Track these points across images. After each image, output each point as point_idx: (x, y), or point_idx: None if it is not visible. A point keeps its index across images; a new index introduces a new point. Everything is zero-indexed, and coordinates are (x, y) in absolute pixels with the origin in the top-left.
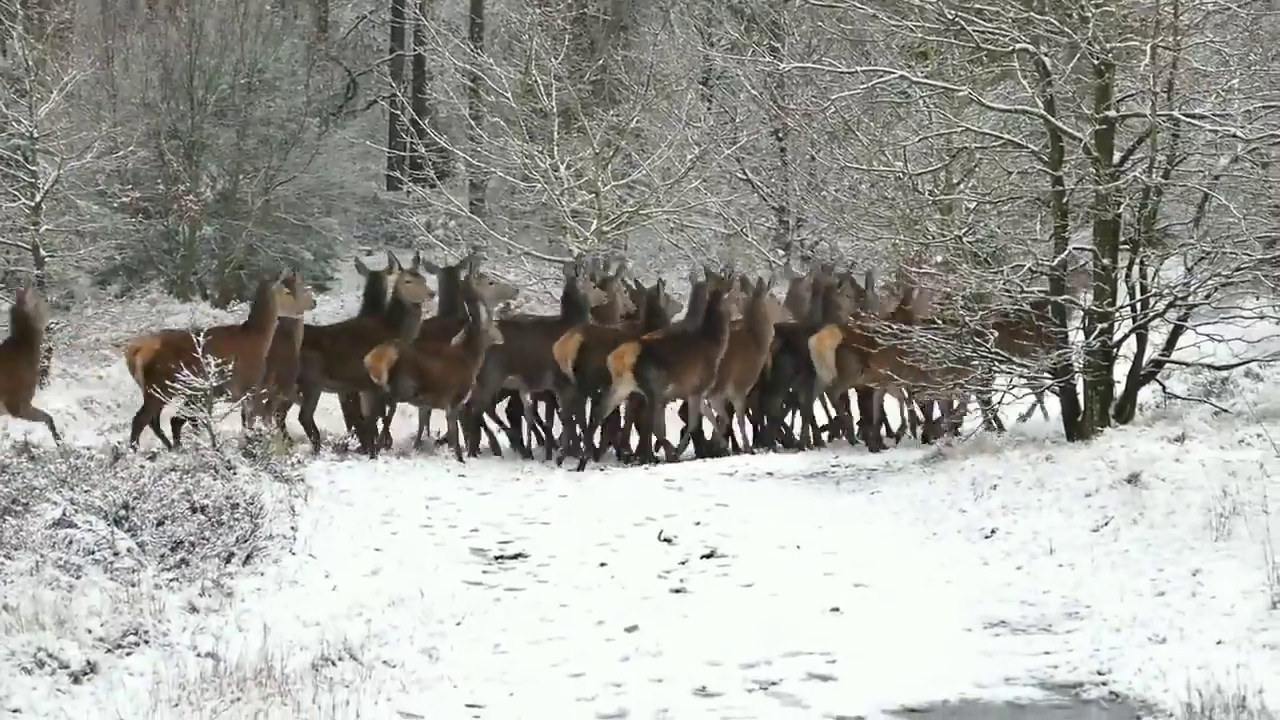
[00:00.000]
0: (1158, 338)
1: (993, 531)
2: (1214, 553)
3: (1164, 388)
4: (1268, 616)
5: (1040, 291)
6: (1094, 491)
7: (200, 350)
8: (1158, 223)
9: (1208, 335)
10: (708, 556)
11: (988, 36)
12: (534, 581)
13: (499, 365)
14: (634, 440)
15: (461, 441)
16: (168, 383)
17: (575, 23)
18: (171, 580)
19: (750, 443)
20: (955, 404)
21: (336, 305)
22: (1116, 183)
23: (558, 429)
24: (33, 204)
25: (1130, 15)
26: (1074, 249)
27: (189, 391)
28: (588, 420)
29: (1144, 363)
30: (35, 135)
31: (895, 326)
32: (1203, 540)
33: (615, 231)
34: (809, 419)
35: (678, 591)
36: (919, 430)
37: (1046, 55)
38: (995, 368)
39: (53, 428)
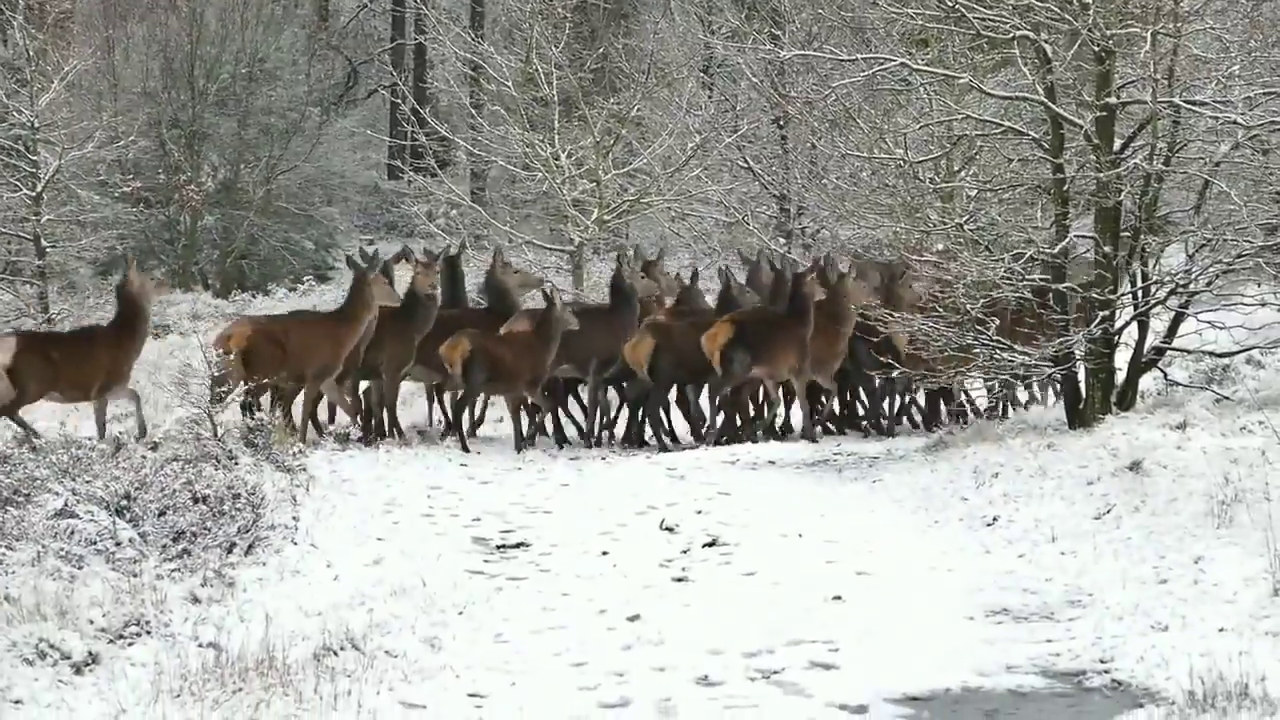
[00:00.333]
0: (1159, 325)
1: (995, 519)
2: (1216, 540)
3: (1165, 375)
4: (1270, 604)
5: (1041, 279)
6: (1096, 479)
7: (291, 338)
8: (1159, 210)
9: (1209, 322)
10: (710, 545)
11: (988, 23)
12: (536, 571)
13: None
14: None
15: (525, 430)
16: (261, 371)
17: (576, 11)
18: (173, 570)
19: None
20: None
21: (338, 294)
22: (1117, 170)
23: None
24: (34, 194)
25: (1131, 2)
26: (1075, 236)
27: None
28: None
29: (1145, 350)
30: (36, 125)
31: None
32: (1204, 528)
33: (616, 220)
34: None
35: (680, 580)
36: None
37: (1047, 42)
38: (997, 356)
39: (139, 408)
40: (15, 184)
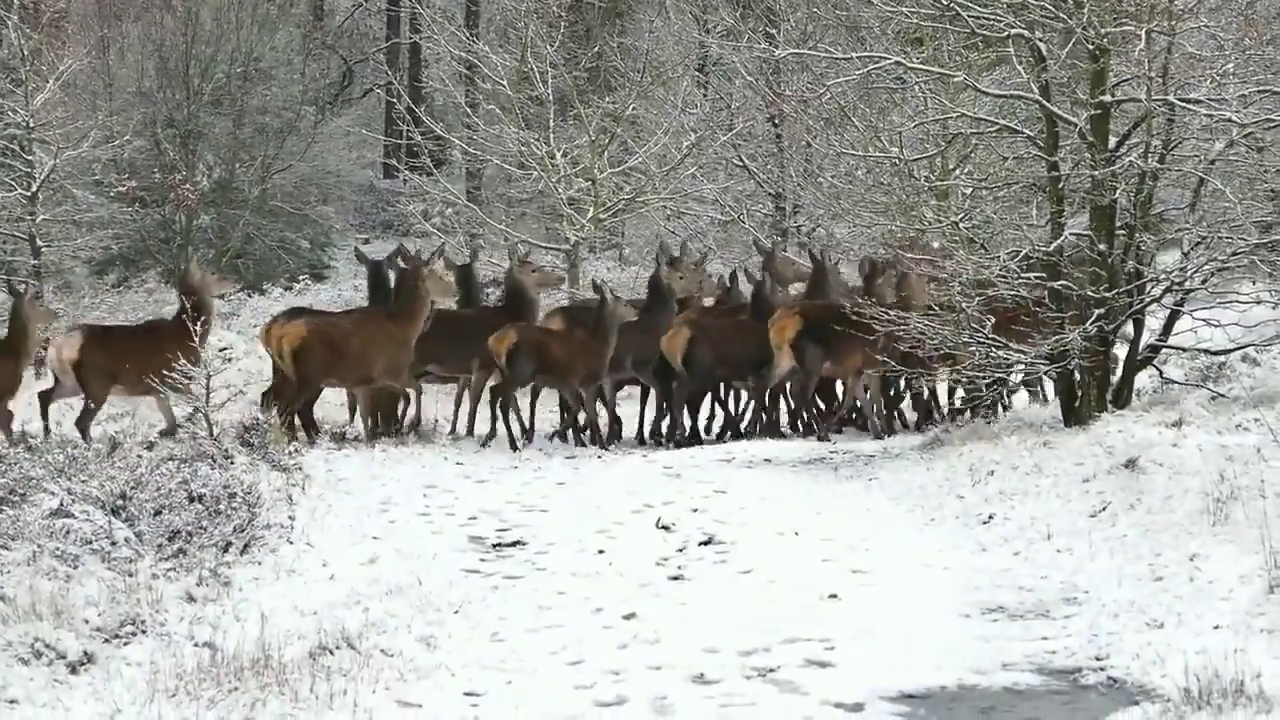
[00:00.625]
0: (1154, 323)
1: (990, 517)
2: (1211, 537)
3: (1161, 373)
4: (1265, 601)
5: (1037, 277)
6: (1091, 477)
7: (347, 335)
8: (1154, 208)
9: (1204, 320)
10: (706, 543)
11: (983, 22)
12: (532, 569)
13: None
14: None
15: (601, 427)
16: (310, 372)
17: (571, 10)
18: (169, 570)
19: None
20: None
21: (334, 294)
22: (1112, 168)
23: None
24: (29, 194)
25: (1125, 0)
26: (1070, 234)
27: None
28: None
29: (1141, 348)
30: (31, 125)
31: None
32: (1200, 525)
33: (612, 219)
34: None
35: (676, 579)
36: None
37: (1042, 40)
38: (992, 354)
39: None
40: (10, 184)
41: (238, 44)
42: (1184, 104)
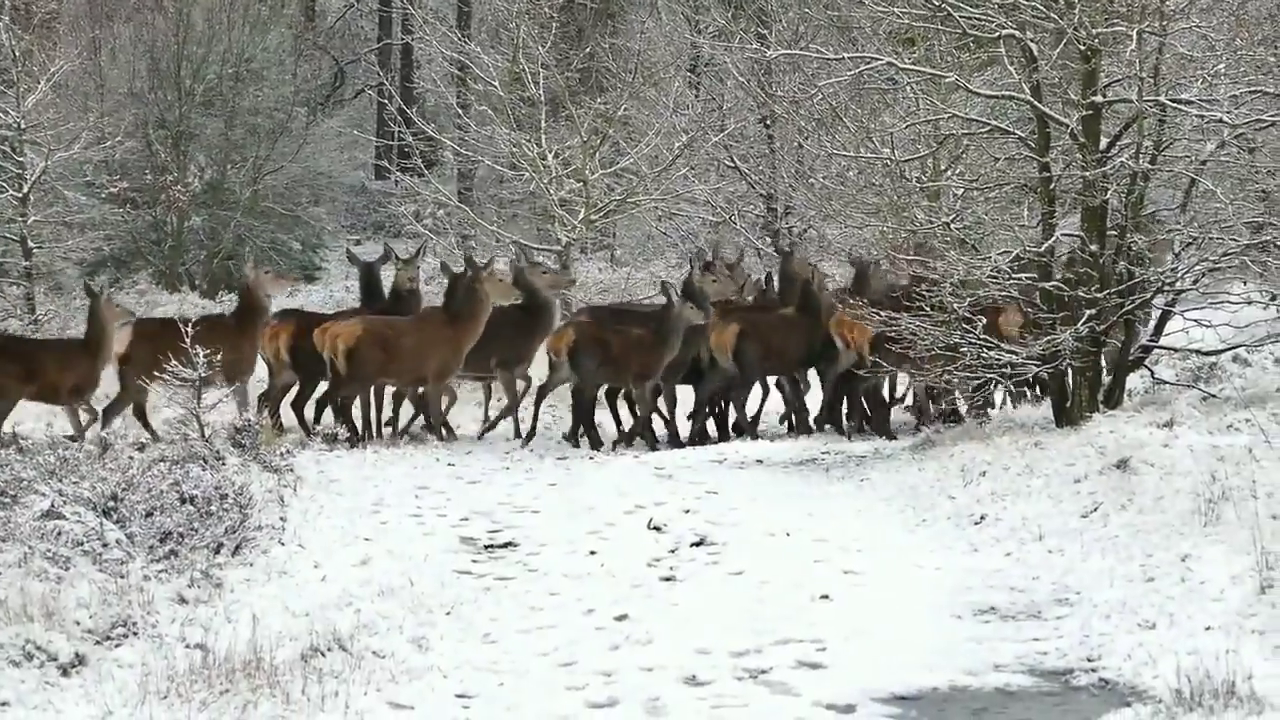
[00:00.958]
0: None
1: (982, 518)
2: (1203, 538)
3: (1152, 373)
4: (1256, 602)
5: (1028, 278)
6: (1083, 477)
7: (401, 335)
8: (1145, 208)
9: (1195, 321)
10: (697, 544)
11: (974, 22)
12: (524, 570)
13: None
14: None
15: (657, 428)
16: (363, 372)
17: (562, 10)
18: (160, 571)
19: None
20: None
21: (325, 295)
22: (1103, 168)
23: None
24: (20, 195)
25: (1116, 1)
26: (1061, 235)
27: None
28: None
29: (1132, 348)
30: (22, 126)
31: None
32: (1191, 526)
33: (603, 220)
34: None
35: (668, 580)
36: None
37: (1033, 41)
38: (983, 354)
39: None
40: (1, 185)
41: (229, 45)
42: (1175, 104)
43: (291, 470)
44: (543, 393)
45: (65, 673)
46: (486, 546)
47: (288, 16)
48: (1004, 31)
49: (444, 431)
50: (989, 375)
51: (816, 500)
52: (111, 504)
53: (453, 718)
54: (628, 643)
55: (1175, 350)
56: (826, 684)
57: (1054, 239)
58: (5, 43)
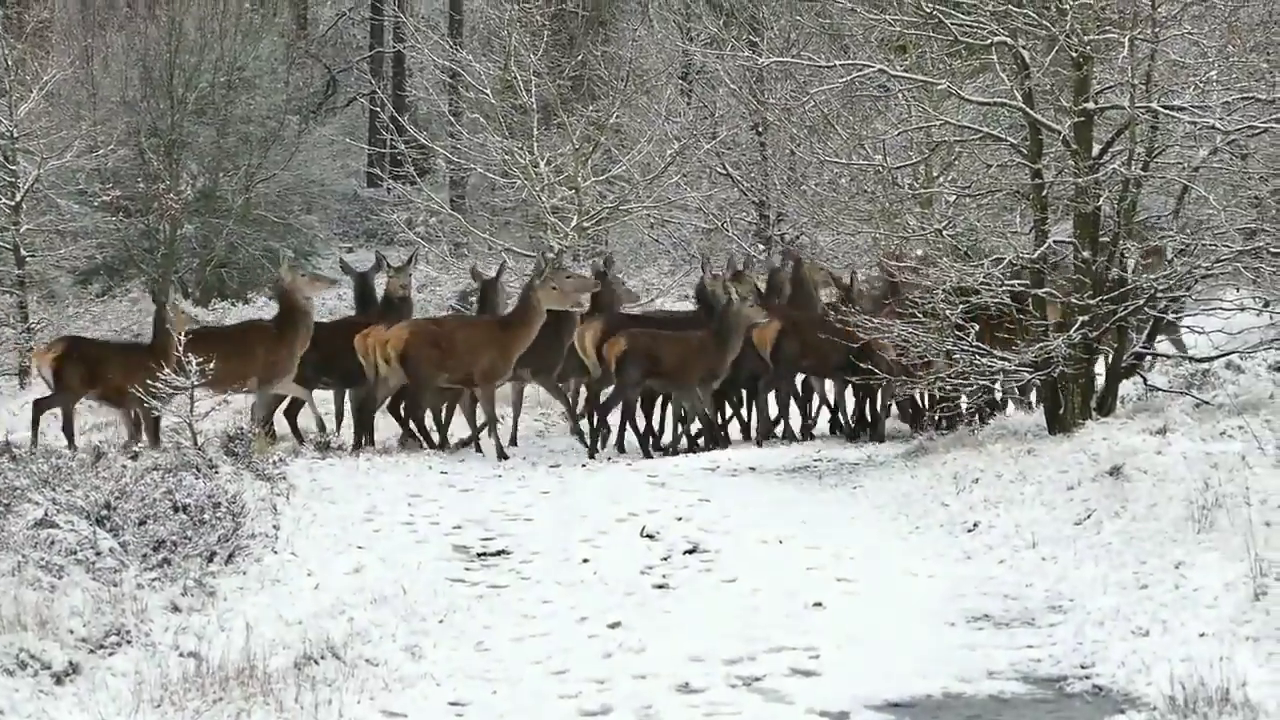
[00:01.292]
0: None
1: (975, 525)
2: (1196, 545)
3: (1145, 380)
4: (1250, 608)
5: (1021, 284)
6: (1076, 484)
7: (450, 332)
8: (1137, 215)
9: (1188, 327)
10: (690, 552)
11: (966, 30)
12: (517, 578)
13: None
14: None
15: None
16: (418, 372)
17: (554, 18)
18: (154, 580)
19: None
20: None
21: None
22: (1096, 175)
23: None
24: (13, 203)
25: (1108, 7)
26: (1054, 241)
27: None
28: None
29: (1125, 355)
30: (15, 134)
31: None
32: (1185, 532)
33: (595, 227)
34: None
35: (660, 587)
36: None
37: (1025, 48)
38: (976, 361)
39: (315, 411)
40: None
41: (221, 53)
42: (1167, 111)
43: (284, 478)
44: (591, 400)
45: (59, 681)
46: (479, 554)
47: (279, 25)
48: (996, 39)
49: (497, 438)
50: (981, 382)
51: (809, 508)
52: (105, 512)
53: None
54: (621, 650)
55: (1168, 357)
56: (820, 691)
57: (1046, 246)
58: None
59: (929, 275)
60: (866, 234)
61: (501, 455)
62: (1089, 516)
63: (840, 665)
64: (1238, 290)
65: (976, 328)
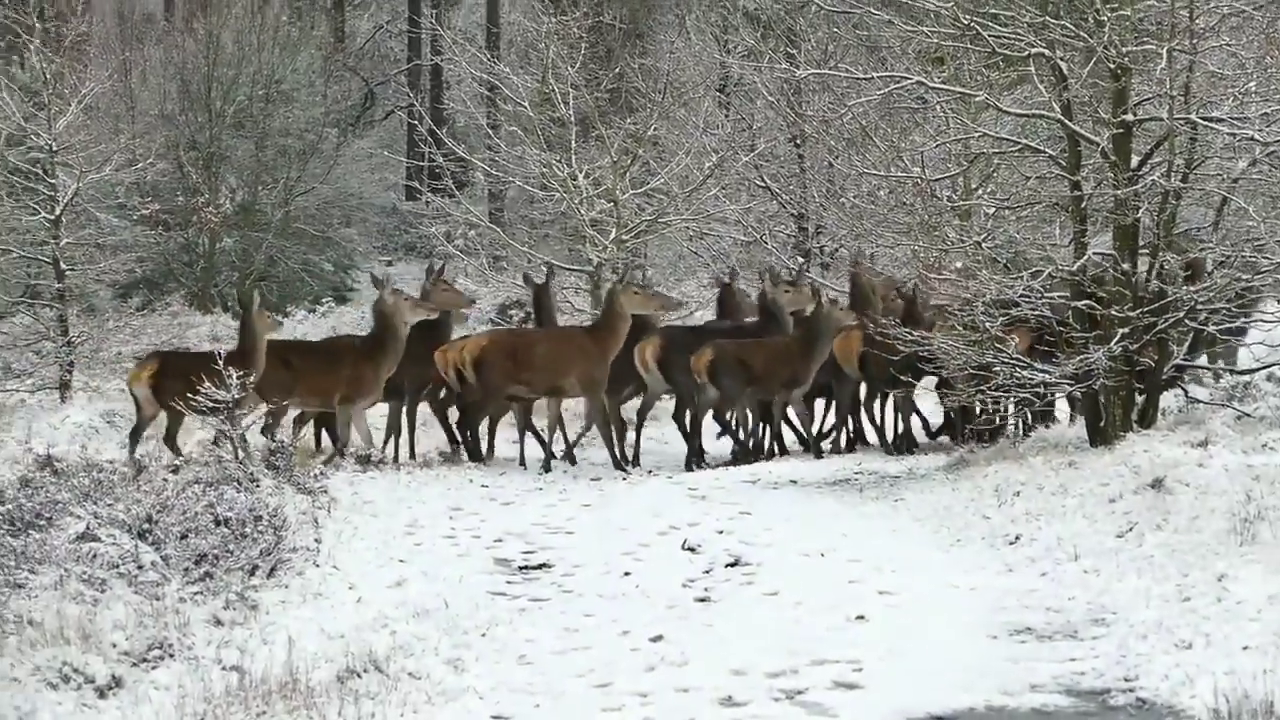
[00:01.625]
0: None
1: (1017, 538)
2: (1239, 558)
3: (1186, 392)
4: None
5: (1060, 297)
6: (1118, 497)
7: (531, 344)
8: (1177, 227)
9: (1229, 340)
10: (732, 565)
11: (1004, 41)
12: (559, 591)
13: (685, 370)
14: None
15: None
16: (494, 382)
17: (591, 31)
18: (196, 593)
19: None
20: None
21: (357, 315)
22: (1135, 187)
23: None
24: (53, 217)
25: (1146, 19)
26: (1093, 254)
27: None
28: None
29: (1166, 368)
30: (54, 148)
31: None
32: (1227, 545)
33: (634, 240)
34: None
35: (702, 600)
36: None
37: (1063, 60)
38: (1016, 374)
39: (369, 442)
40: (34, 207)
41: (259, 66)
42: (1206, 123)
43: (326, 492)
44: (643, 413)
45: (102, 695)
46: (521, 568)
47: (317, 38)
48: (1034, 50)
49: (617, 446)
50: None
51: (851, 520)
52: (146, 526)
53: None
54: (663, 664)
55: (1209, 369)
56: (863, 704)
57: (1086, 258)
58: (36, 65)
59: (969, 288)
60: (905, 246)
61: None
62: (1131, 529)
63: (883, 678)
64: (1279, 302)
65: (1016, 340)
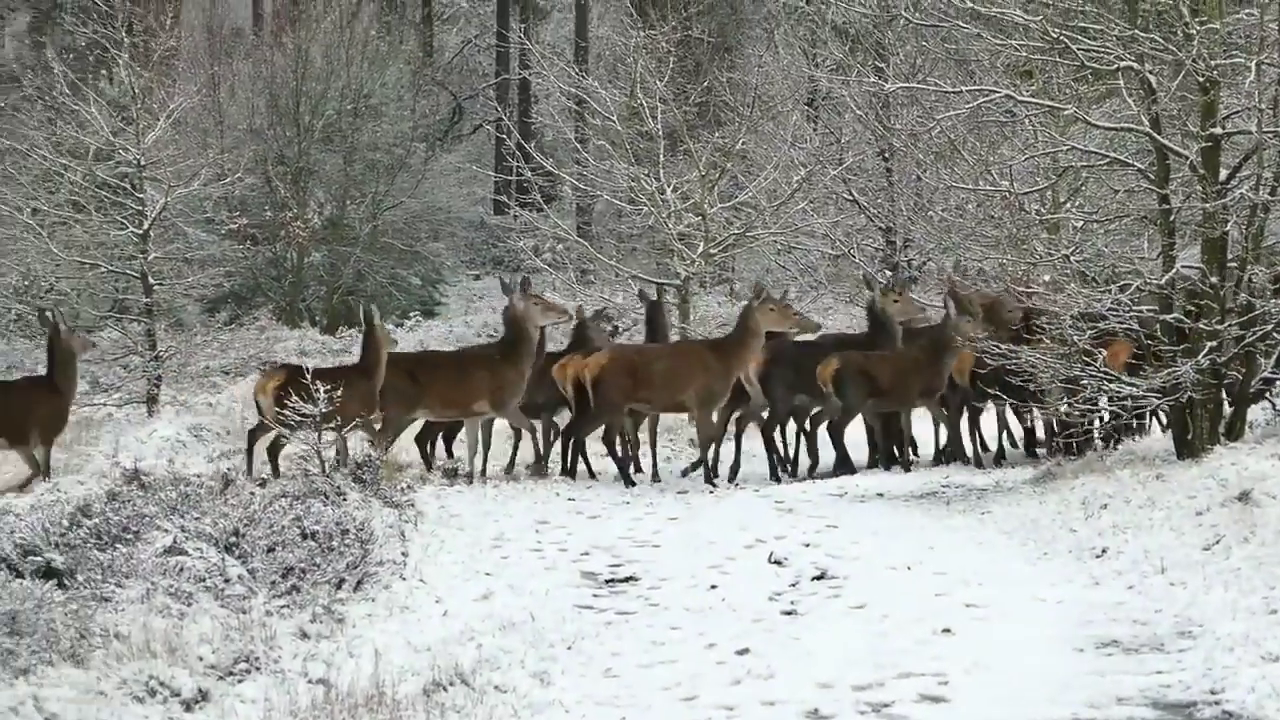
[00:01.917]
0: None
1: (1104, 551)
2: None
3: (1274, 405)
4: None
5: (1149, 310)
6: (1205, 510)
7: (651, 360)
8: (1265, 240)
9: None
10: (818, 578)
11: (1092, 55)
12: (645, 605)
13: (786, 384)
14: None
15: (969, 445)
16: (612, 398)
17: (680, 45)
18: (282, 607)
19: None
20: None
21: (444, 330)
22: (1223, 200)
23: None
24: (141, 231)
25: (1235, 32)
26: (1181, 267)
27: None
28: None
29: (1253, 381)
30: (142, 163)
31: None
32: None
33: (722, 254)
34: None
35: (789, 613)
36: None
37: (1151, 73)
38: (1104, 387)
39: (535, 442)
40: (122, 222)
41: (348, 81)
42: None
43: (412, 505)
44: (742, 424)
45: (188, 708)
46: (607, 581)
47: (406, 52)
48: (1122, 64)
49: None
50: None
51: (937, 533)
52: (233, 540)
53: None
54: (749, 677)
55: None
56: (949, 717)
57: (1174, 271)
58: (125, 80)
59: (1057, 301)
60: (993, 259)
61: (629, 482)
62: (1218, 542)
63: (969, 691)
64: None
65: (1104, 353)
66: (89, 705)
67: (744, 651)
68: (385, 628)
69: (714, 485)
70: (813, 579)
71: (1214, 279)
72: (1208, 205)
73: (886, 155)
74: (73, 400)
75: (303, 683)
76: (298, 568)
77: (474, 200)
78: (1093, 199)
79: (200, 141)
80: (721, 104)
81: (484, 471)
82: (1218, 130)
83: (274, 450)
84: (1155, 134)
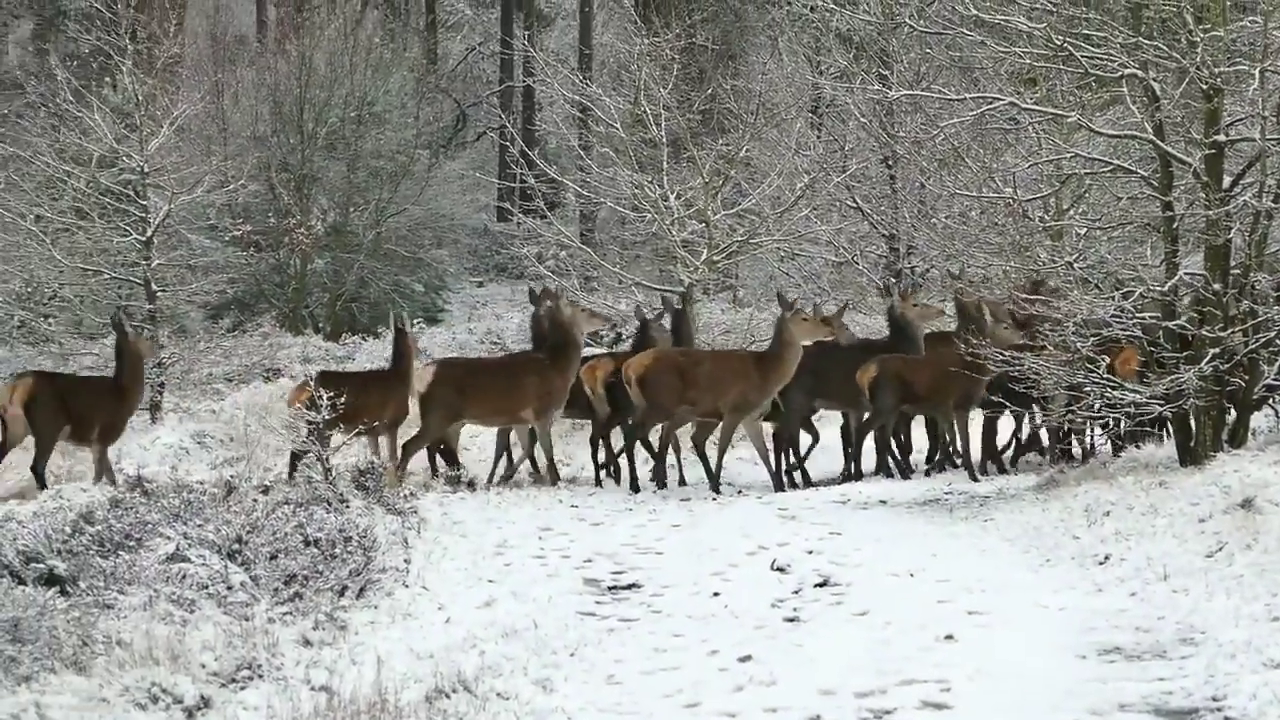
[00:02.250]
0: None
1: (1106, 558)
2: None
3: (1277, 412)
4: None
5: (1152, 317)
6: (1207, 517)
7: (696, 363)
8: (1269, 247)
9: None
10: (821, 585)
11: (1096, 62)
12: (647, 612)
13: (805, 390)
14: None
15: (969, 451)
16: (660, 400)
17: (684, 52)
18: (285, 614)
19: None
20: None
21: (448, 337)
22: (1226, 207)
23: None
24: (144, 239)
25: (1239, 40)
26: (1185, 274)
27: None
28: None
29: (1256, 388)
30: (146, 170)
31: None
32: None
33: (726, 261)
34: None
35: (791, 620)
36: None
37: (1155, 80)
38: (1106, 394)
39: (546, 449)
40: (126, 229)
41: (351, 88)
42: None
43: (415, 512)
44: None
45: (191, 715)
46: (610, 588)
47: (409, 60)
48: (1126, 71)
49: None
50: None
51: (940, 540)
52: (236, 547)
53: None
54: (752, 684)
55: None
56: None
57: (1177, 278)
58: (129, 87)
59: (1060, 308)
60: (997, 266)
61: (635, 487)
62: (1220, 549)
63: (972, 698)
64: None
65: (1107, 360)
66: (91, 712)
67: (746, 658)
68: (388, 635)
69: (718, 493)
70: (815, 586)
71: (1217, 286)
72: (1211, 212)
73: (890, 162)
74: (138, 404)
75: (305, 690)
76: (300, 575)
77: (477, 207)
78: (1096, 206)
79: (204, 148)
80: (725, 111)
81: (509, 476)
82: (1221, 137)
83: (295, 460)
84: (1159, 141)
